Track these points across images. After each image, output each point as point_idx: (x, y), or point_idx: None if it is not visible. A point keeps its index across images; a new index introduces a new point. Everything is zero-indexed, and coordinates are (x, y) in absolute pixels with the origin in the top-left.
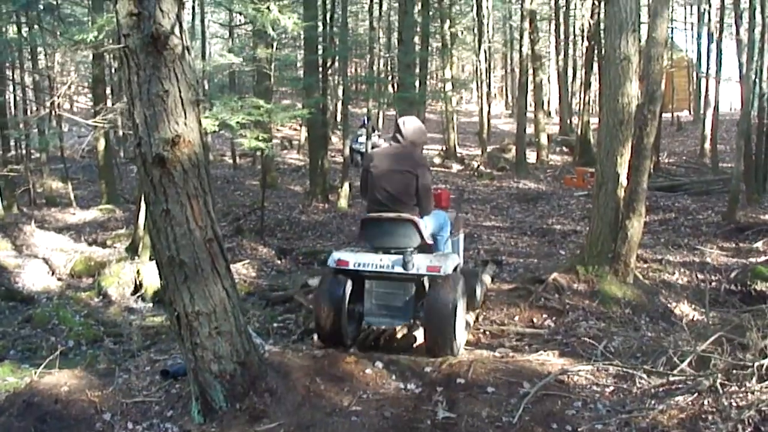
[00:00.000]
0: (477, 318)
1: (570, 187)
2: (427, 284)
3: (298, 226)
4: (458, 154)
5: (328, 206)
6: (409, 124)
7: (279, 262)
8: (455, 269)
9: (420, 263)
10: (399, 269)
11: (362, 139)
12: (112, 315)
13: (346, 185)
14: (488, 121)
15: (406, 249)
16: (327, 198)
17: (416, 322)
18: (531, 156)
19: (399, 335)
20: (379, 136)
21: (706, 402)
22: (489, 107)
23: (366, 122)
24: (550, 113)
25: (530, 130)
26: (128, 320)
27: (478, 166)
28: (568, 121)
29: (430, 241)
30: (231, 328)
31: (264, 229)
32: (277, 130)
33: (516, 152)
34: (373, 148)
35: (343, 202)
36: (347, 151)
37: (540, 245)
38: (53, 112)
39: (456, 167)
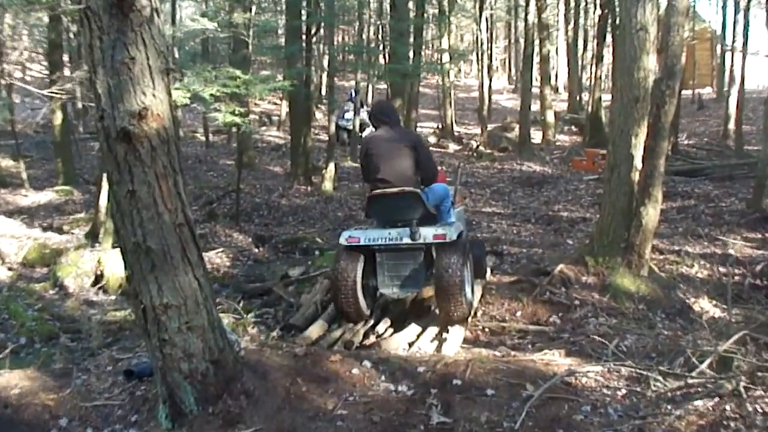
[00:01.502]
0: (475, 313)
1: (579, 170)
2: (434, 252)
3: (277, 210)
4: (455, 133)
5: (311, 189)
6: (386, 107)
7: (256, 250)
8: (459, 236)
9: (426, 233)
10: (407, 240)
11: (349, 115)
12: (70, 309)
13: (331, 166)
14: (489, 96)
15: (412, 220)
16: (310, 180)
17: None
18: (536, 136)
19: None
20: (368, 112)
21: (728, 407)
22: (490, 81)
23: (354, 96)
24: (557, 89)
25: (535, 107)
26: (88, 314)
27: (478, 146)
28: (578, 98)
29: (433, 211)
30: (203, 322)
31: (240, 214)
32: (255, 104)
33: (519, 131)
34: (361, 125)
35: (327, 185)
36: (333, 129)
37: (545, 234)
38: (2, 81)
39: (453, 147)
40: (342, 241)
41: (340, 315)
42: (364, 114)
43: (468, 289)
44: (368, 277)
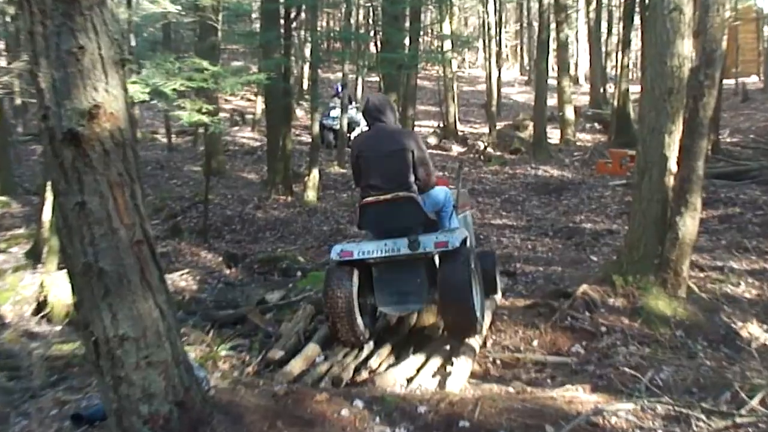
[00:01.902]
0: (484, 342)
1: (603, 174)
2: (437, 263)
3: (252, 225)
4: (459, 133)
5: (292, 200)
6: (382, 103)
7: (228, 271)
8: (464, 243)
9: (426, 241)
10: (405, 251)
11: (335, 112)
12: (7, 341)
13: (315, 172)
14: (498, 90)
15: (410, 229)
16: (290, 189)
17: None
18: (553, 135)
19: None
20: (357, 108)
21: None
22: (499, 72)
23: (340, 91)
24: (577, 80)
25: (552, 101)
26: (28, 348)
27: (485, 148)
28: (602, 90)
29: (433, 217)
30: (166, 357)
31: (208, 228)
32: (226, 100)
33: (534, 130)
34: (349, 124)
35: (310, 195)
36: (316, 129)
37: (565, 249)
38: None
39: (456, 149)
40: (333, 256)
41: (336, 340)
42: (352, 111)
43: (476, 301)
44: (365, 295)
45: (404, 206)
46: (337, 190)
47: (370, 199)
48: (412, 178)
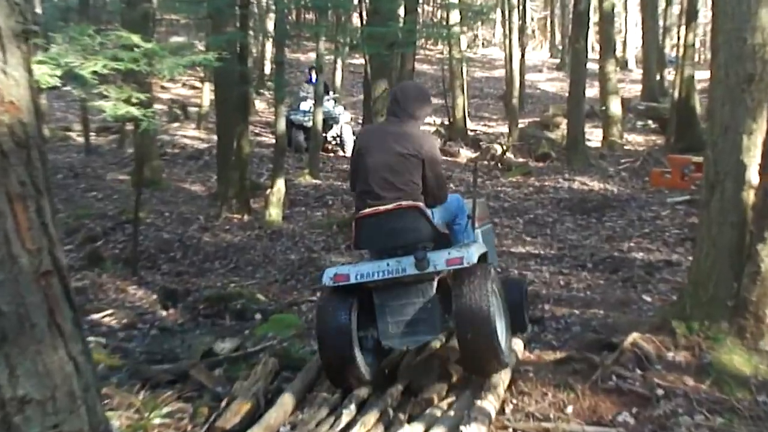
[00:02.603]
0: (503, 408)
1: (660, 187)
2: (451, 284)
3: (197, 252)
4: (469, 132)
5: (250, 219)
6: (408, 92)
7: (165, 313)
8: (482, 258)
9: (436, 258)
10: (412, 271)
11: (307, 105)
12: None
13: (280, 184)
14: (521, 77)
15: (416, 244)
16: (247, 206)
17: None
18: (594, 135)
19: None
20: (336, 100)
21: None
22: (523, 54)
23: (313, 77)
24: (626, 63)
25: (592, 91)
26: None
27: (504, 153)
28: (658, 77)
29: (444, 230)
30: (81, 426)
31: (139, 257)
32: (163, 88)
33: (568, 129)
34: (326, 120)
35: (274, 213)
36: (282, 126)
37: (608, 286)
38: None
39: (465, 154)
40: (326, 281)
41: (333, 383)
42: (329, 104)
43: (499, 328)
44: (366, 327)
45: (409, 218)
46: (309, 207)
47: (366, 211)
48: (418, 190)
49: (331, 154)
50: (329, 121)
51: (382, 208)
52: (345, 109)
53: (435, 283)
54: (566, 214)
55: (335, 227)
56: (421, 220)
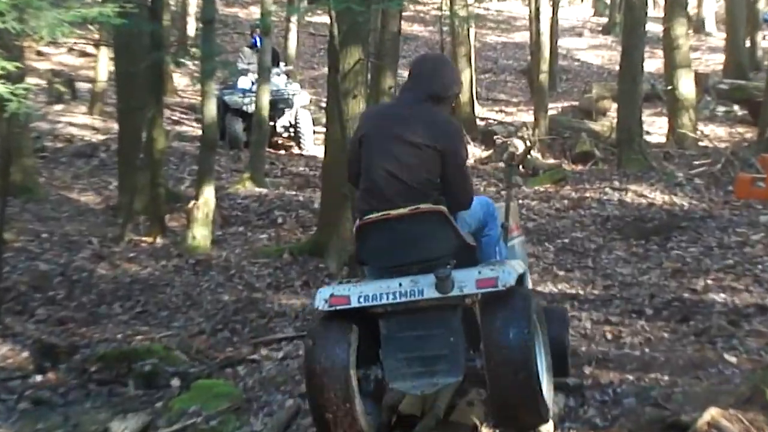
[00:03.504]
0: None
1: (750, 200)
2: (479, 313)
3: (88, 290)
4: (479, 122)
5: (165, 243)
6: (428, 65)
7: (40, 377)
8: (521, 281)
9: (464, 278)
10: (432, 294)
11: (247, 80)
12: None
13: (210, 193)
14: (553, 43)
15: (438, 260)
16: (162, 224)
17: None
18: (656, 126)
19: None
20: (289, 75)
21: None
22: (555, 10)
23: (258, 41)
24: (703, 25)
25: (654, 64)
26: None
27: (528, 152)
28: (747, 43)
29: (471, 242)
30: None
31: (3, 297)
32: (41, 54)
33: (619, 118)
34: (275, 103)
35: (200, 235)
36: (211, 111)
37: (675, 342)
38: None
39: (475, 151)
40: (319, 304)
41: None
42: (279, 79)
43: (542, 373)
44: (368, 365)
45: (429, 226)
46: (249, 226)
47: (373, 216)
48: (437, 192)
49: (282, 152)
50: (280, 104)
51: (394, 212)
52: (302, 87)
53: (460, 311)
54: (615, 239)
55: (288, 255)
56: (445, 228)
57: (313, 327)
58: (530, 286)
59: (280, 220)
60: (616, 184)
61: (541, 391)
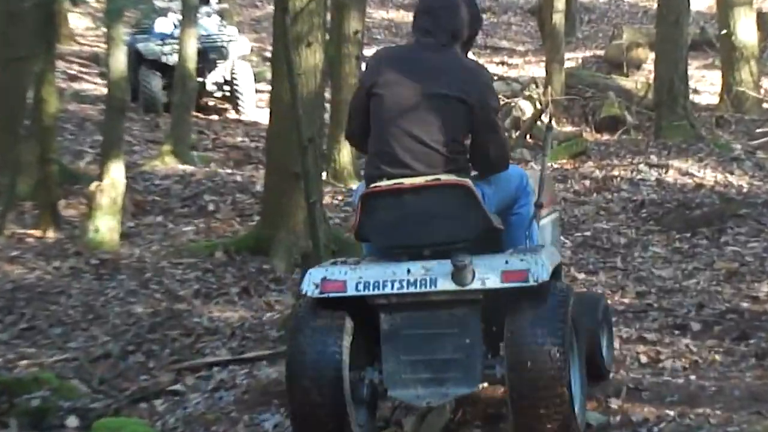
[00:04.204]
0: None
1: None
2: (503, 310)
3: None
4: None
5: (59, 238)
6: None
7: None
8: (556, 274)
9: (487, 268)
10: (447, 285)
11: (167, 23)
12: None
13: (118, 172)
14: None
15: (456, 245)
16: (55, 212)
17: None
18: (706, 83)
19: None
20: (223, 15)
21: None
22: None
23: None
24: None
25: (703, 1)
26: None
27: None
28: None
29: (498, 224)
30: None
31: None
32: None
33: (657, 72)
34: (203, 53)
35: (105, 226)
36: (120, 64)
37: (731, 365)
38: None
39: None
40: (308, 288)
41: None
42: (210, 22)
43: (577, 388)
44: (362, 366)
45: (450, 202)
46: (170, 215)
47: (383, 184)
48: (464, 155)
49: (215, 117)
50: (211, 54)
51: (407, 182)
52: (240, 32)
53: (479, 308)
54: (652, 231)
55: (221, 254)
56: (469, 206)
57: (298, 317)
58: (558, 250)
59: (211, 208)
60: (654, 159)
61: (575, 412)
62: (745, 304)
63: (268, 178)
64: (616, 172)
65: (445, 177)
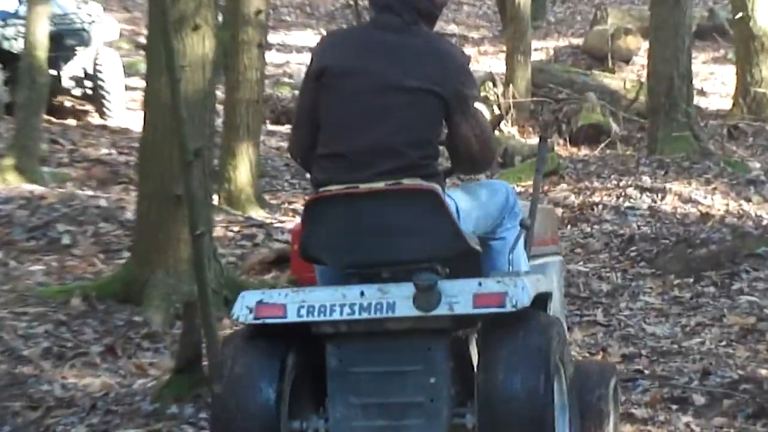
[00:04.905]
0: None
1: None
2: (474, 345)
3: None
4: None
5: None
6: None
7: None
8: (542, 304)
9: (455, 292)
10: (407, 311)
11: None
12: None
13: None
14: None
15: (421, 263)
16: None
17: None
18: (715, 81)
19: None
20: None
21: None
22: None
23: None
24: None
25: None
26: None
27: (497, 124)
28: None
29: (475, 245)
30: None
31: None
32: None
33: (651, 67)
34: (62, 35)
35: None
36: None
37: None
38: None
39: None
40: (240, 314)
41: None
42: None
43: None
44: (304, 412)
45: (412, 211)
46: (12, 249)
47: (332, 189)
48: (435, 158)
49: (72, 122)
50: (68, 39)
51: (363, 186)
52: (106, 10)
53: (447, 341)
54: (643, 274)
55: (79, 301)
56: (437, 217)
57: (227, 352)
58: (563, 317)
59: (66, 241)
60: (647, 181)
61: None
62: (763, 371)
63: (141, 203)
64: (597, 198)
65: (408, 181)
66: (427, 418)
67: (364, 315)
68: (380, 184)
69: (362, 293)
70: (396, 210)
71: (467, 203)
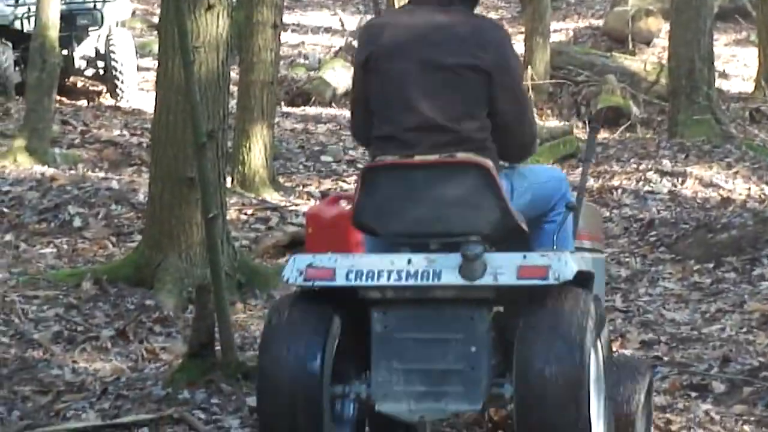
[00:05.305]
0: None
1: None
2: (518, 318)
3: None
4: None
5: None
6: None
7: None
8: (585, 281)
9: (501, 263)
10: (453, 279)
11: None
12: None
13: None
14: None
15: (469, 235)
16: None
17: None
18: (738, 64)
19: None
20: None
21: None
22: None
23: None
24: None
25: None
26: None
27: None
28: None
29: (522, 224)
30: None
31: None
32: None
33: (672, 49)
34: (73, 15)
35: None
36: None
37: None
38: None
39: None
40: (290, 276)
41: None
42: None
43: (598, 423)
44: (348, 374)
45: (463, 184)
46: (22, 231)
47: (388, 159)
48: (484, 134)
49: (84, 103)
50: (80, 19)
51: (417, 158)
52: None
53: (491, 311)
54: (663, 260)
55: (90, 284)
56: (486, 192)
57: (274, 307)
58: (602, 300)
59: (77, 223)
60: (667, 164)
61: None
62: None
63: (153, 185)
64: (616, 182)
65: (461, 154)
66: (466, 386)
67: (411, 282)
68: (434, 156)
69: (410, 261)
70: (447, 182)
71: (522, 184)
